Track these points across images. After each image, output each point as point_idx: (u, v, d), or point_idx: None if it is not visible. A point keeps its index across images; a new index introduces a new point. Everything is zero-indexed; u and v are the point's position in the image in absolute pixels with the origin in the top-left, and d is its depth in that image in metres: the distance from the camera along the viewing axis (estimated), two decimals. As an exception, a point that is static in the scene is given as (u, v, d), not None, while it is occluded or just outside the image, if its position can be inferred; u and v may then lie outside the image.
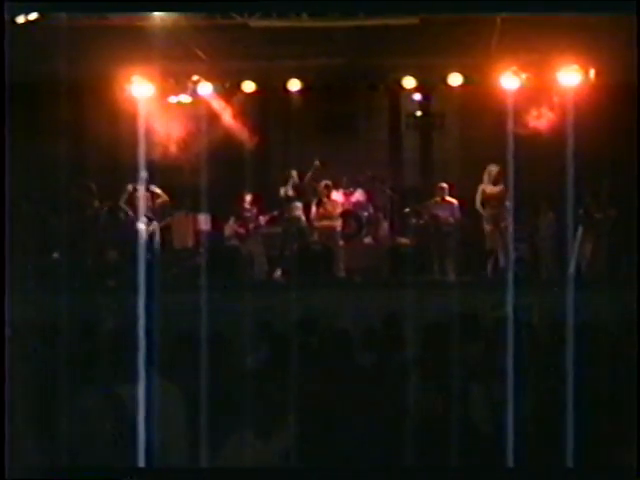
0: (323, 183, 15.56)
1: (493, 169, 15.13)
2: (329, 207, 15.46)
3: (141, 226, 14.86)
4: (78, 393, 5.12)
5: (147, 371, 5.09)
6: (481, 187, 15.31)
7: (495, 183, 15.13)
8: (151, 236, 14.93)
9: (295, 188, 15.69)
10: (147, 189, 15.11)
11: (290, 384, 5.47)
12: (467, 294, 11.54)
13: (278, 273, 15.26)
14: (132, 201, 15.19)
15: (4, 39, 6.16)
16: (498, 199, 14.93)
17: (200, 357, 6.18)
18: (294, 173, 15.83)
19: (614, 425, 4.77)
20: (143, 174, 14.83)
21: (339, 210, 15.53)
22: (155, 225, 15.07)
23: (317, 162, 15.74)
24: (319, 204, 15.48)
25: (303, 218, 15.65)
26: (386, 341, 7.31)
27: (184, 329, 7.10)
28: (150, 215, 15.04)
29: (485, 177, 15.30)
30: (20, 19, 12.39)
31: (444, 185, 15.52)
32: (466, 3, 7.23)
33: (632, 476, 4.53)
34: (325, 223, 15.43)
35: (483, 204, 15.20)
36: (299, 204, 15.62)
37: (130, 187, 15.09)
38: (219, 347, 6.68)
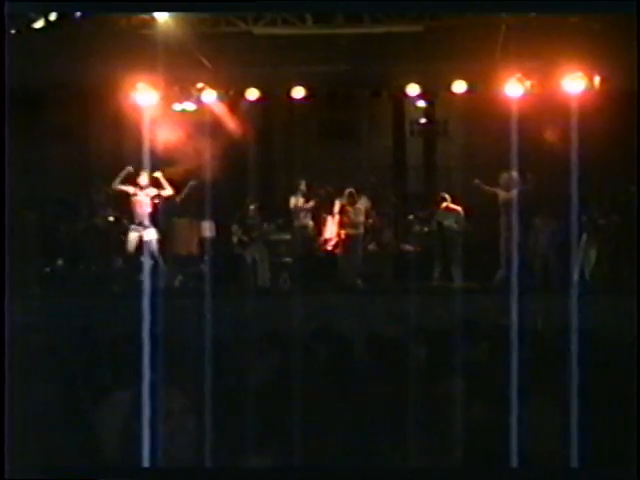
0: (347, 191, 15.40)
1: (505, 175, 15.09)
2: (352, 215, 15.30)
3: (133, 235, 14.65)
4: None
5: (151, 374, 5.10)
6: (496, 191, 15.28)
7: (507, 189, 15.09)
8: (141, 244, 14.57)
9: (304, 197, 15.72)
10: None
11: (295, 391, 5.47)
12: (471, 300, 11.54)
13: (285, 281, 15.29)
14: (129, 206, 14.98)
15: (4, 39, 6.16)
16: (509, 205, 14.93)
17: (203, 364, 6.18)
18: (303, 183, 15.83)
19: (617, 428, 4.77)
20: (144, 180, 14.72)
21: (362, 218, 15.36)
22: (152, 232, 14.78)
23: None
24: (342, 212, 15.32)
25: (311, 226, 15.67)
26: (391, 347, 7.32)
27: (185, 335, 7.11)
28: (145, 222, 14.71)
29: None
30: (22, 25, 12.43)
31: (445, 195, 15.50)
32: (467, 3, 7.22)
33: (632, 476, 4.52)
34: (349, 231, 15.28)
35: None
36: (308, 214, 15.65)
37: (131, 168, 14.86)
38: (221, 354, 6.68)
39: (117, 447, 5.20)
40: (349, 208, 15.23)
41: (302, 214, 15.65)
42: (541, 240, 14.94)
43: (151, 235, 14.65)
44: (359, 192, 15.62)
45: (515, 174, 14.77)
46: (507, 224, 14.90)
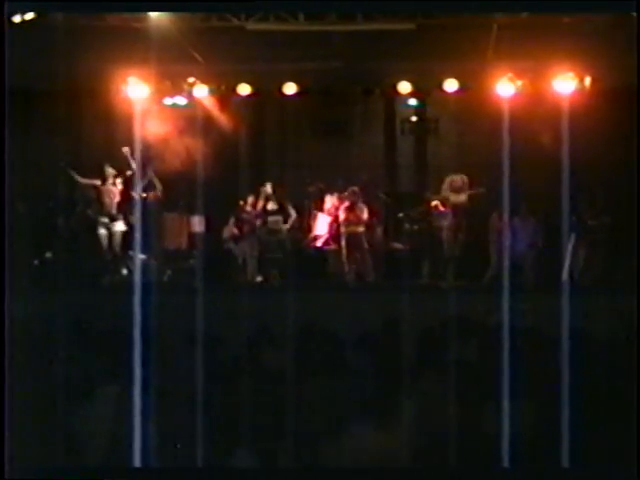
0: (350, 190, 15.38)
1: (456, 178, 15.27)
2: (358, 212, 15.26)
3: (102, 231, 14.91)
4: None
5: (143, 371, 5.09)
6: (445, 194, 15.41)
7: (458, 192, 15.25)
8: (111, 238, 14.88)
9: (272, 200, 15.68)
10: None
11: (283, 385, 5.47)
12: (460, 299, 11.55)
13: (259, 279, 15.31)
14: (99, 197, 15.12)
15: (4, 39, 6.15)
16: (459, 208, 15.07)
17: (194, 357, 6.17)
18: (268, 185, 15.77)
19: (612, 429, 4.79)
20: (110, 170, 14.92)
21: (366, 216, 15.33)
22: (120, 225, 14.91)
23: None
24: (349, 209, 15.26)
25: (283, 230, 15.60)
26: (381, 345, 7.33)
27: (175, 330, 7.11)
28: (112, 212, 14.94)
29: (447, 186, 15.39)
30: (16, 18, 12.36)
31: (432, 197, 15.53)
32: (467, 3, 7.21)
33: (632, 476, 4.55)
34: (354, 229, 15.24)
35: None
36: (278, 218, 15.58)
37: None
38: (210, 348, 6.68)
39: (106, 443, 5.20)
40: (353, 206, 15.20)
41: (270, 218, 15.55)
42: (523, 239, 14.96)
43: (119, 227, 14.85)
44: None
45: (464, 177, 15.04)
46: (457, 225, 15.04)
